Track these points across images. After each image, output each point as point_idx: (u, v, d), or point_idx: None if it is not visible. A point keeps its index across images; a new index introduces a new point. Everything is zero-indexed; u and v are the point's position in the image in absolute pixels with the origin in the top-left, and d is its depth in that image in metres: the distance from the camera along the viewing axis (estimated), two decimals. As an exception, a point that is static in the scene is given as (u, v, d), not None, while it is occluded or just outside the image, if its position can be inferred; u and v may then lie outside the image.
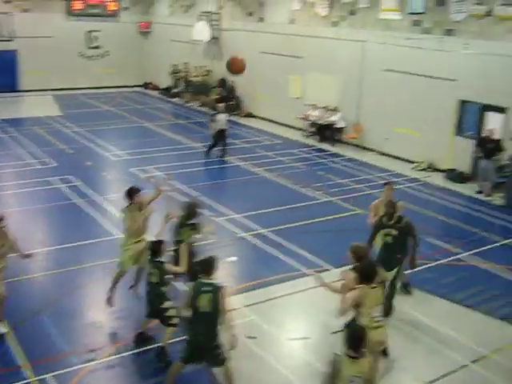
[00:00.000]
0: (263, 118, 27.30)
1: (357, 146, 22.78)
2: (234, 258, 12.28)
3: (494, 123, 18.16)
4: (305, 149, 22.52)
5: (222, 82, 29.04)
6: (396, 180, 18.68)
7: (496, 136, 17.70)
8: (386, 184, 11.66)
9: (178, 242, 9.84)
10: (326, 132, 23.41)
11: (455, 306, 10.82)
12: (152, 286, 8.67)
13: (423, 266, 12.21)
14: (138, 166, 18.77)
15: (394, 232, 9.88)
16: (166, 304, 8.63)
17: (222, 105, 21.57)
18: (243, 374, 8.33)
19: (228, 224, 14.16)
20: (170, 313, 8.60)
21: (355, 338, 6.07)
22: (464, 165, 19.23)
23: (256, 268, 12.03)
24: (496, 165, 17.73)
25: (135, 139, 23.11)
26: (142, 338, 9.14)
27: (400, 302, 10.59)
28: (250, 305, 10.36)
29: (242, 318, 9.78)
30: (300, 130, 24.84)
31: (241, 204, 15.56)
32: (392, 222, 9.91)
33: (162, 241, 8.81)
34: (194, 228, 10.03)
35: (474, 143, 18.81)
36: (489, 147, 17.53)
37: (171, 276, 8.90)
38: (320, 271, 11.66)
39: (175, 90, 32.21)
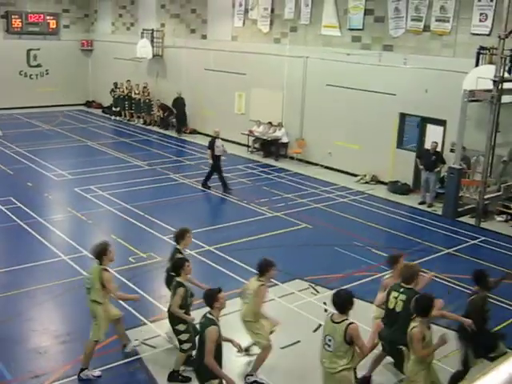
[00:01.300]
0: (208, 135, 27.20)
1: (301, 160, 23.00)
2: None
3: (434, 136, 18.62)
4: (250, 164, 22.61)
5: (175, 100, 28.52)
6: (340, 193, 18.94)
7: (437, 148, 18.14)
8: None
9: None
10: (271, 147, 23.60)
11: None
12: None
13: (368, 278, 12.37)
14: (82, 186, 18.46)
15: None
16: (179, 327, 8.46)
17: (218, 130, 19.49)
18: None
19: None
20: (182, 337, 8.44)
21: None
22: (406, 177, 19.63)
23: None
24: (438, 176, 18.16)
25: (78, 158, 22.75)
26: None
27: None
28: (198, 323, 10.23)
29: (190, 336, 9.72)
30: (245, 145, 24.92)
31: (187, 222, 15.36)
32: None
33: (185, 259, 8.73)
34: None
35: (415, 155, 19.22)
36: (430, 159, 17.94)
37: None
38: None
39: (115, 109, 31.80)
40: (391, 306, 8.15)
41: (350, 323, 7.03)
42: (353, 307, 7.17)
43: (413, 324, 7.29)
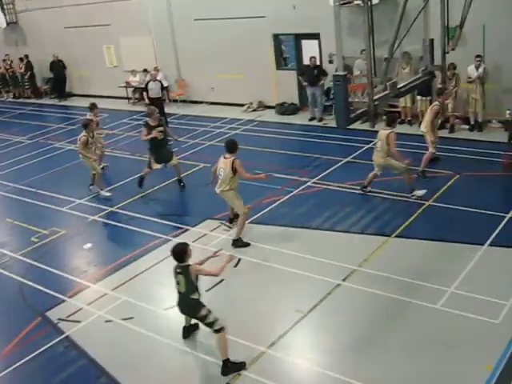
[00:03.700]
0: (86, 95, 26.13)
1: (185, 101, 22.56)
2: (89, 245, 11.73)
3: (311, 51, 18.63)
4: (134, 116, 21.95)
5: (52, 64, 26.85)
6: (230, 126, 18.80)
7: (317, 62, 18.20)
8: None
9: None
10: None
11: (315, 232, 11.13)
12: (181, 297, 7.70)
13: (276, 203, 12.44)
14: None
15: None
16: (202, 312, 7.54)
17: (154, 72, 20.93)
18: (130, 355, 8.13)
19: (75, 211, 13.49)
20: (210, 319, 7.52)
21: None
22: (292, 96, 19.70)
23: (115, 248, 11.69)
24: (322, 90, 18.31)
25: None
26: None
27: (261, 239, 10.75)
28: (118, 286, 9.99)
29: (113, 301, 9.49)
30: (126, 98, 24.16)
31: (82, 188, 14.88)
32: None
33: (187, 243, 7.77)
34: None
35: (296, 73, 19.24)
36: (312, 74, 18.01)
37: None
38: (178, 233, 11.53)
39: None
40: None
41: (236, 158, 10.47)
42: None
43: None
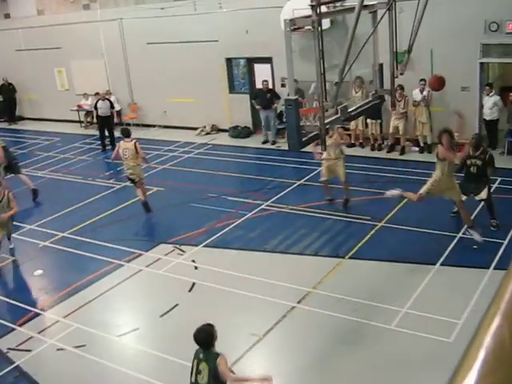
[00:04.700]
0: (37, 119, 25.79)
1: (138, 125, 22.38)
2: (39, 271, 11.45)
3: (263, 75, 18.81)
4: (87, 140, 21.70)
5: (3, 86, 26.30)
6: (184, 150, 18.77)
7: (269, 86, 18.37)
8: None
9: None
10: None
11: (269, 255, 11.14)
12: None
13: (231, 226, 12.43)
14: None
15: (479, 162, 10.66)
16: None
17: (103, 92, 20.87)
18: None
19: (27, 237, 13.18)
20: None
21: None
22: (245, 120, 19.81)
23: (67, 274, 11.42)
24: (275, 113, 18.47)
25: None
26: None
27: (215, 262, 10.70)
28: (70, 313, 9.78)
29: (65, 329, 9.29)
30: (78, 122, 23.90)
31: (35, 213, 14.62)
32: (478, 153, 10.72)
33: (212, 324, 6.30)
34: None
35: (249, 97, 19.36)
36: (265, 97, 18.17)
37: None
38: (131, 259, 11.39)
39: None
40: None
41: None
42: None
43: None
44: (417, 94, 15.67)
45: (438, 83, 10.19)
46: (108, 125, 19.95)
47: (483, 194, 10.83)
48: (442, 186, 10.35)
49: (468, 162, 10.87)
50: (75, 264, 11.81)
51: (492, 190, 11.54)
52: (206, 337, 6.12)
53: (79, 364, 8.41)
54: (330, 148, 11.93)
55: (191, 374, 6.17)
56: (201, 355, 6.13)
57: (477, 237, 10.11)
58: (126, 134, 13.71)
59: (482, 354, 1.18)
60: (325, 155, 12.14)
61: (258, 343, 8.40)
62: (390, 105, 13.22)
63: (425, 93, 15.49)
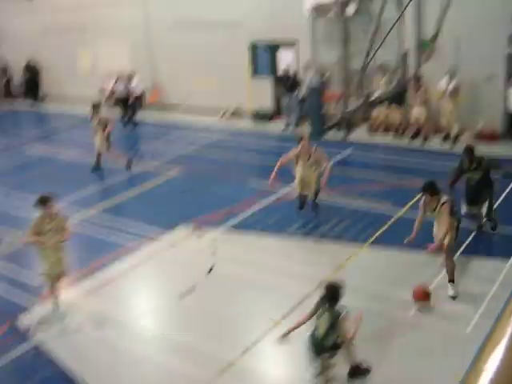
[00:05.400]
0: (61, 99, 25.88)
1: (161, 108, 22.42)
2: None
3: (286, 59, 18.73)
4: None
5: (28, 66, 26.77)
6: (205, 135, 18.76)
7: (292, 71, 18.30)
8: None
9: None
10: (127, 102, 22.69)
11: (287, 241, 11.11)
12: (313, 339, 7.01)
13: (251, 211, 12.43)
14: None
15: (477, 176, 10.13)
16: (327, 362, 7.02)
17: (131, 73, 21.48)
18: (107, 368, 7.97)
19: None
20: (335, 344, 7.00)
21: None
22: (267, 104, 19.76)
23: (86, 254, 11.41)
24: (297, 98, 18.39)
25: None
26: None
27: (236, 245, 10.72)
28: (87, 294, 9.82)
29: (83, 308, 9.35)
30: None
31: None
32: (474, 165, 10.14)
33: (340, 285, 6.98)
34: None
35: (272, 82, 19.31)
36: (288, 82, 18.11)
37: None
38: (150, 240, 11.45)
39: None
40: None
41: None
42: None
43: None
44: (444, 84, 15.37)
45: (423, 295, 8.94)
46: (125, 102, 20.66)
47: (485, 209, 10.51)
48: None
49: (466, 175, 10.40)
50: (92, 245, 11.78)
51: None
52: (335, 291, 6.76)
53: (97, 344, 8.44)
54: (304, 155, 11.65)
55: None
56: (324, 308, 6.80)
57: (451, 292, 8.89)
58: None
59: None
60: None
61: (274, 328, 8.40)
62: (411, 93, 13.14)
63: (452, 83, 15.16)
